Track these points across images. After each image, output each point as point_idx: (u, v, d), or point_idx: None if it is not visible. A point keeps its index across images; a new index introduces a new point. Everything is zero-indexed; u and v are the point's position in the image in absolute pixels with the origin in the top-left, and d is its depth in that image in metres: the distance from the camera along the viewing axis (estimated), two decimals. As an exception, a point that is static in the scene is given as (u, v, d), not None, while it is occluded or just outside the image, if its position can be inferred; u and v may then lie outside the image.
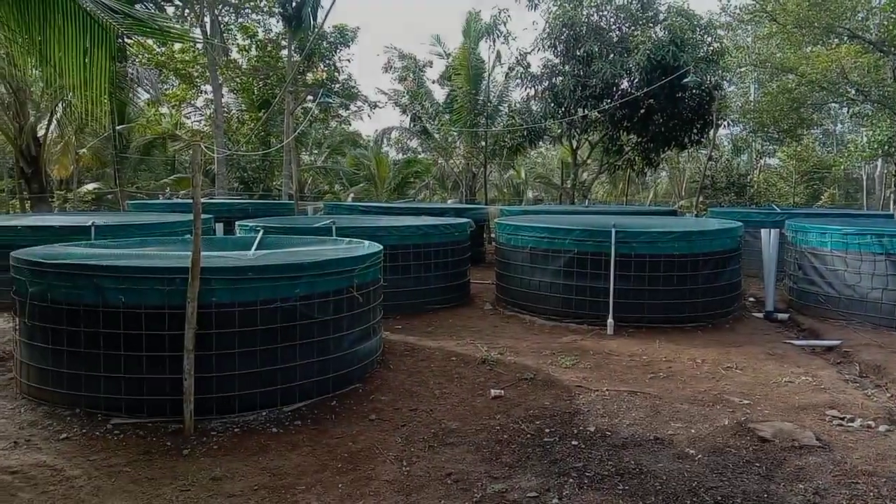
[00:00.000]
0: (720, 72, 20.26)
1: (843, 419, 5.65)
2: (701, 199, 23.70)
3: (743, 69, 23.51)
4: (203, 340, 5.42)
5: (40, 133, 18.39)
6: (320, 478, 4.63)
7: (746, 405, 6.02)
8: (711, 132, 21.52)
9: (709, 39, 20.78)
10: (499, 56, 25.06)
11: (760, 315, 10.08)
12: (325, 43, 26.29)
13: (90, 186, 27.75)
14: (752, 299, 11.35)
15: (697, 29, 20.33)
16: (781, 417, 5.68)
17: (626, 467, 4.73)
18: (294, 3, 23.33)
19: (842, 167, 22.35)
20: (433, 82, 28.29)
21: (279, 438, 5.29)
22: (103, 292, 5.52)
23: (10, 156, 22.17)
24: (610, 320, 8.86)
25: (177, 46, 27.33)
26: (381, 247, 7.38)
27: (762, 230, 10.34)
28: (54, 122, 19.68)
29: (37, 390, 5.91)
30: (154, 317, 5.50)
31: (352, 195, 31.45)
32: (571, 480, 4.54)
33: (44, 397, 5.84)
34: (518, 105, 23.94)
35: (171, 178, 30.21)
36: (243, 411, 5.66)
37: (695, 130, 21.47)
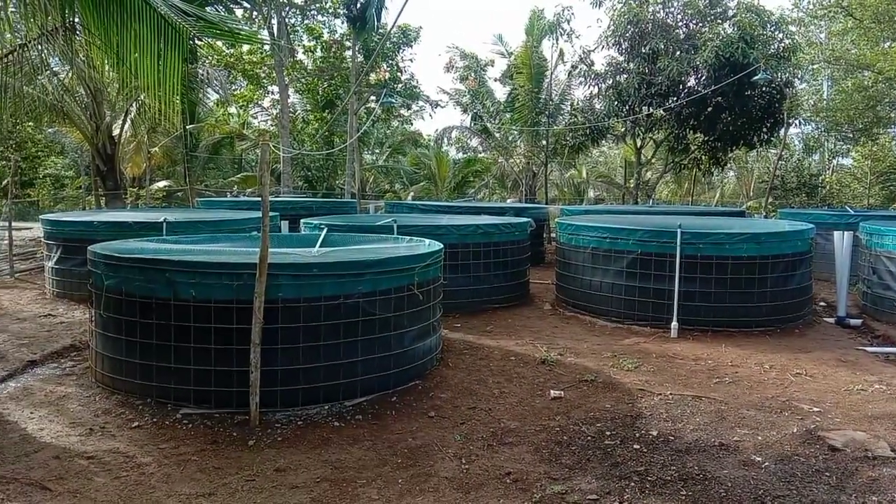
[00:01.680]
0: (791, 69, 19.63)
1: (920, 430, 5.42)
2: (770, 199, 23.01)
3: (816, 66, 22.77)
4: (269, 334, 5.55)
5: (115, 132, 19.08)
6: (380, 472, 4.68)
7: (816, 413, 5.82)
8: (782, 131, 20.84)
9: (780, 36, 20.13)
10: (561, 54, 24.87)
11: (832, 320, 9.72)
12: (388, 43, 26.54)
13: (161, 184, 28.72)
14: (823, 304, 10.96)
15: (768, 25, 19.72)
16: (853, 426, 5.48)
17: (689, 473, 4.64)
18: (359, 4, 23.61)
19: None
20: (495, 80, 28.28)
21: (341, 432, 5.38)
22: (175, 286, 5.71)
23: (87, 154, 23.07)
24: (674, 323, 8.69)
25: (245, 48, 28.06)
26: (442, 245, 7.42)
27: (835, 233, 9.96)
28: (128, 122, 20.40)
29: (111, 379, 6.16)
30: (223, 311, 5.66)
31: (412, 194, 31.69)
32: (632, 484, 4.48)
33: (117, 386, 6.08)
34: (580, 103, 23.67)
35: (238, 176, 31.01)
36: (306, 405, 5.77)
37: (764, 129, 20.84)
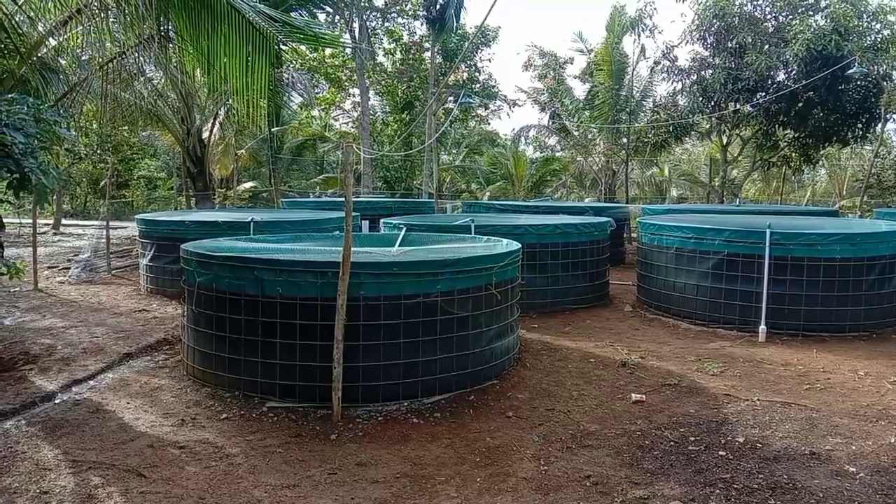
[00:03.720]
0: (890, 61, 18.61)
1: None
2: (865, 198, 21.89)
3: (917, 57, 21.48)
4: (351, 331, 5.66)
5: (205, 135, 19.80)
6: (459, 470, 4.71)
7: (917, 424, 5.52)
8: (878, 126, 19.81)
9: (877, 26, 19.13)
10: (643, 50, 24.44)
11: (934, 326, 9.18)
12: (466, 44, 26.63)
13: (247, 185, 29.65)
14: (924, 309, 10.35)
15: (864, 15, 18.78)
16: (959, 439, 5.17)
17: (777, 482, 4.47)
18: (438, 6, 23.78)
19: None
20: (574, 78, 27.97)
21: (419, 429, 5.44)
22: (263, 283, 5.90)
23: (178, 156, 24.06)
24: (762, 327, 8.39)
25: (327, 51, 28.68)
26: (519, 245, 7.39)
27: (938, 233, 9.40)
28: (217, 125, 21.13)
29: (201, 372, 6.42)
30: (307, 307, 5.82)
31: (488, 193, 31.67)
32: (718, 492, 4.36)
33: (207, 379, 6.33)
34: (663, 100, 23.16)
35: (320, 177, 31.71)
36: (386, 401, 5.86)
37: (859, 125, 19.87)
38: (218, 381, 6.21)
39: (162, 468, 4.68)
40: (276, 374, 5.91)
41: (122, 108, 14.90)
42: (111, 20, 8.01)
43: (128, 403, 5.96)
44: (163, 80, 15.88)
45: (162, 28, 8.06)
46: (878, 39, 18.67)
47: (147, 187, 34.34)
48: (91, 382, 6.55)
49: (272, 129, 23.60)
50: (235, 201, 26.02)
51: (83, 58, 10.01)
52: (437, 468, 4.74)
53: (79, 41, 9.10)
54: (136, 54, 9.04)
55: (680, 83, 21.63)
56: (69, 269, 13.04)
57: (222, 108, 19.97)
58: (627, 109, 23.94)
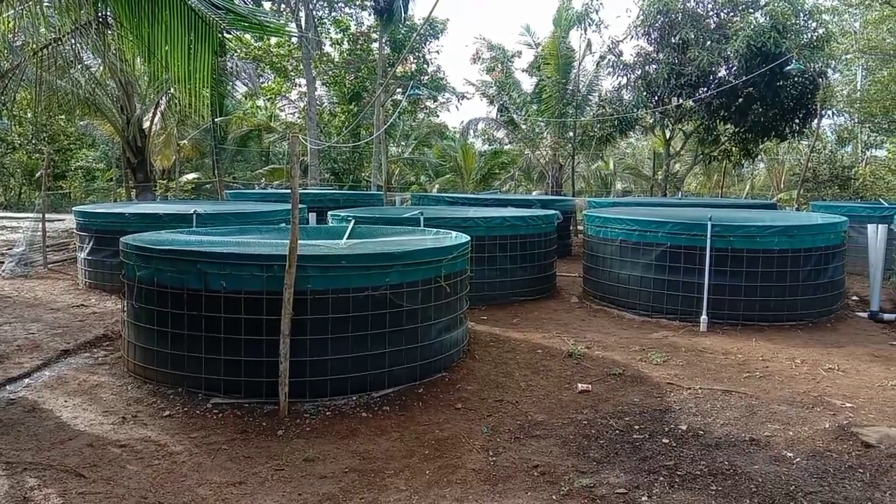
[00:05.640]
0: (825, 59, 19.26)
1: (958, 428, 5.30)
2: (802, 192, 22.64)
3: (850, 56, 22.31)
4: (298, 326, 5.59)
5: (145, 125, 19.29)
6: (408, 463, 4.70)
7: (849, 408, 5.73)
8: (814, 122, 20.49)
9: (813, 25, 19.78)
10: (589, 45, 24.65)
11: (865, 315, 9.55)
12: (415, 35, 26.52)
13: (190, 176, 29.01)
14: (855, 298, 10.77)
15: (801, 14, 19.39)
16: (888, 423, 5.38)
17: (719, 468, 4.59)
18: (386, -4, 23.62)
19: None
20: (521, 72, 28.14)
21: (368, 423, 5.41)
22: (206, 277, 5.77)
23: (117, 147, 23.39)
24: (703, 317, 8.61)
25: (273, 40, 28.21)
26: (469, 238, 7.41)
27: (868, 226, 9.77)
28: (158, 114, 20.61)
29: (142, 369, 6.25)
30: (253, 302, 5.72)
31: (437, 186, 31.68)
32: (662, 479, 4.45)
33: (149, 376, 6.17)
34: (609, 94, 23.49)
35: (266, 168, 31.21)
36: (334, 395, 5.81)
37: (796, 120, 20.51)
38: (160, 378, 6.06)
39: (102, 468, 4.55)
40: (220, 369, 5.80)
41: (58, 97, 14.38)
42: (45, 4, 7.71)
43: (66, 402, 5.77)
44: (101, 68, 15.37)
45: (100, 14, 7.79)
46: (814, 38, 19.29)
47: (85, 178, 33.31)
48: (26, 381, 6.32)
49: (216, 119, 23.12)
50: (177, 193, 25.41)
51: (16, 43, 9.61)
52: (385, 462, 4.73)
53: (10, 25, 8.73)
54: (73, 40, 8.71)
55: (625, 78, 21.97)
56: (2, 263, 12.55)
57: (164, 98, 19.47)
58: (574, 103, 24.20)
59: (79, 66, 13.14)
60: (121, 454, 4.78)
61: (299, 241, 5.58)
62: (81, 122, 25.90)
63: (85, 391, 6.05)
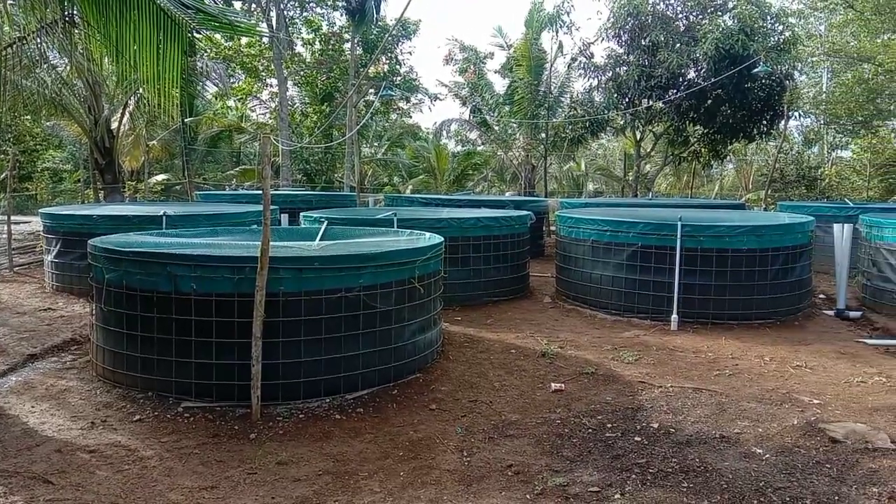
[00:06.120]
0: (791, 61, 19.60)
1: (920, 422, 5.43)
2: (769, 192, 23.00)
3: (815, 58, 22.74)
4: (270, 328, 5.54)
5: (114, 126, 19.02)
6: (382, 465, 4.69)
7: (816, 405, 5.83)
8: (781, 124, 20.83)
9: (780, 28, 20.11)
10: (561, 46, 24.83)
11: (831, 313, 9.74)
12: (387, 35, 26.47)
13: (160, 177, 28.64)
14: (822, 296, 10.97)
15: (768, 17, 19.69)
16: (854, 418, 5.49)
17: (690, 465, 4.65)
18: (358, -3, 23.54)
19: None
20: (494, 73, 28.21)
21: (342, 425, 5.38)
22: (176, 280, 5.70)
23: (85, 148, 23.03)
24: (674, 316, 8.70)
25: (244, 40, 27.97)
26: (442, 239, 7.41)
27: (834, 225, 9.96)
28: (127, 115, 20.34)
29: (111, 373, 6.16)
30: (224, 304, 5.66)
31: (411, 187, 31.65)
32: (634, 476, 4.49)
33: (118, 380, 6.07)
34: (580, 96, 23.64)
35: (237, 169, 30.93)
36: (308, 398, 5.77)
37: (764, 122, 20.83)
38: (130, 382, 5.97)
39: (71, 474, 4.47)
40: (191, 373, 5.73)
41: (23, 97, 14.11)
42: (10, 2, 7.56)
43: (33, 407, 5.67)
44: (68, 68, 15.12)
45: (66, 12, 7.66)
46: (781, 40, 19.61)
47: (52, 180, 32.71)
48: (-9, 386, 6.19)
49: (185, 120, 22.86)
50: (147, 194, 25.09)
51: (-22, 42, 9.41)
52: (360, 464, 4.71)
53: (-28, 24, 8.55)
54: (39, 39, 8.55)
55: (596, 80, 22.14)
56: (-34, 266, 12.29)
57: (132, 98, 19.23)
58: (546, 105, 24.32)
59: (45, 66, 12.92)
60: (90, 460, 4.70)
61: (271, 243, 5.54)
62: (48, 123, 25.47)
63: (52, 396, 5.94)
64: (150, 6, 6.56)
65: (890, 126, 26.63)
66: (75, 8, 7.41)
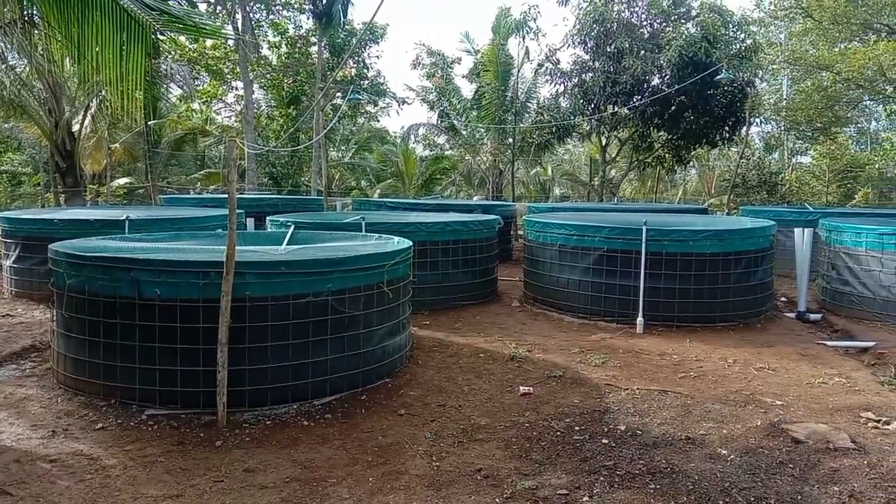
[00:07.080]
0: (753, 69, 20.00)
1: (878, 421, 5.55)
2: (732, 197, 23.42)
3: (776, 66, 23.23)
4: (236, 333, 5.48)
5: (75, 128, 18.68)
6: (351, 471, 4.66)
7: (779, 406, 5.94)
8: (743, 130, 21.26)
9: (742, 36, 20.53)
10: (528, 52, 24.98)
11: (793, 315, 9.94)
12: (354, 40, 26.40)
13: (122, 181, 28.12)
14: (783, 299, 11.19)
15: (730, 25, 20.10)
16: (815, 419, 5.60)
17: (657, 466, 4.70)
18: (324, 0, 23.42)
19: (876, 166, 21.95)
20: (462, 78, 28.30)
21: (310, 431, 5.34)
22: (139, 285, 5.60)
23: (45, 151, 22.55)
24: (640, 319, 8.80)
25: (209, 43, 27.65)
26: (411, 243, 7.40)
27: (795, 229, 10.18)
28: (89, 117, 19.97)
29: (73, 381, 6.03)
30: (189, 310, 5.58)
31: (378, 191, 31.57)
32: (602, 479, 4.53)
33: (80, 388, 5.95)
34: (547, 101, 23.84)
35: (201, 173, 30.50)
36: (275, 404, 5.71)
37: (726, 128, 21.22)
38: (92, 390, 5.85)
39: (31, 484, 4.36)
40: (155, 380, 5.63)
41: (-20, 98, 13.80)
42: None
43: (-10, 416, 5.52)
44: (28, 69, 14.80)
45: (25, 12, 7.50)
46: (743, 48, 20.00)
47: (10, 183, 31.94)
48: (-54, 395, 6.02)
49: (149, 122, 22.48)
50: (109, 198, 24.62)
51: (-67, 41, 9.17)
52: (328, 470, 4.67)
53: (-73, 23, 8.32)
54: (-4, 40, 8.37)
55: (562, 85, 22.35)
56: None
57: (94, 100, 18.88)
58: (513, 110, 24.46)
59: (3, 67, 12.63)
60: (51, 469, 4.59)
61: (237, 247, 5.47)
62: (6, 125, 24.86)
63: (11, 404, 5.79)
64: (112, 7, 6.46)
65: (848, 133, 27.36)
66: (35, 8, 7.27)
